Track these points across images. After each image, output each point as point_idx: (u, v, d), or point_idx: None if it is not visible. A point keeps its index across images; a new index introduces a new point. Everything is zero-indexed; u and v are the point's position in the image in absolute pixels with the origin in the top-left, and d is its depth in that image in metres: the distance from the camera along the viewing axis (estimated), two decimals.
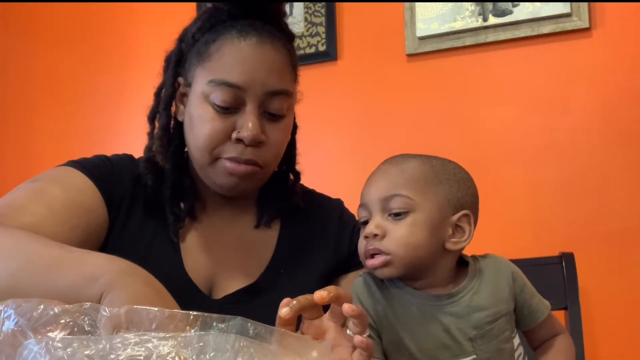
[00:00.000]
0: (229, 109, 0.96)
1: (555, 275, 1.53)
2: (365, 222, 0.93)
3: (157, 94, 1.06)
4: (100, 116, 2.51)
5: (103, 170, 1.01)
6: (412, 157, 0.96)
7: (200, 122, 0.97)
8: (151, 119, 1.06)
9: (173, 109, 1.05)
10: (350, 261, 1.09)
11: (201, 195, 1.07)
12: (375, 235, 0.89)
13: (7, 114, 2.70)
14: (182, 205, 1.05)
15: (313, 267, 1.07)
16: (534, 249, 1.70)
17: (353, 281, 0.97)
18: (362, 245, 0.92)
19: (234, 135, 0.96)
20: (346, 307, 0.73)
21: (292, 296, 0.76)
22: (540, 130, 1.90)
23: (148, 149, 1.04)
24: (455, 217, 0.91)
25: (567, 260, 1.55)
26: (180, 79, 1.03)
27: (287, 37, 1.03)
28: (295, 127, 1.11)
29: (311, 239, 1.10)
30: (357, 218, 0.98)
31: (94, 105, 2.54)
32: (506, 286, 0.93)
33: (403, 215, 0.89)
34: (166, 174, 1.03)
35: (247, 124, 0.95)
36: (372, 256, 0.90)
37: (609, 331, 1.75)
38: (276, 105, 0.98)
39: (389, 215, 0.90)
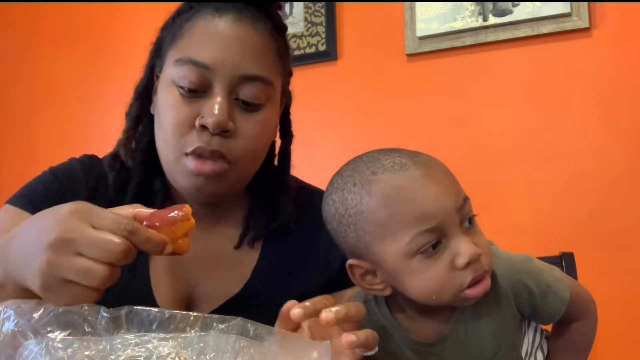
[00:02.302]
0: (196, 92, 0.85)
1: None
2: (435, 245, 0.73)
3: (136, 88, 0.97)
4: (100, 115, 2.51)
5: (49, 192, 0.91)
6: (421, 154, 0.80)
7: (165, 109, 0.87)
8: (127, 114, 0.97)
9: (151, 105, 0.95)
10: (344, 280, 0.86)
11: (175, 201, 0.94)
12: (479, 255, 0.73)
13: (7, 114, 2.70)
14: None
15: (297, 284, 0.95)
16: (534, 249, 1.69)
17: (349, 296, 0.89)
18: (457, 278, 0.73)
19: (198, 121, 0.84)
20: (344, 341, 0.67)
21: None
22: (540, 130, 1.89)
23: (117, 144, 0.96)
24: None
25: (567, 260, 1.54)
26: (158, 70, 0.94)
27: (275, 25, 0.92)
28: (289, 136, 1.01)
29: (297, 254, 0.98)
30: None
31: (94, 105, 2.54)
32: (506, 308, 0.81)
33: (473, 220, 0.76)
34: (132, 172, 0.93)
35: (212, 107, 0.83)
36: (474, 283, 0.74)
37: (609, 331, 1.75)
38: (250, 93, 0.86)
39: (464, 226, 0.75)
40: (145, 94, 0.95)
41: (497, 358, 0.81)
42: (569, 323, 0.88)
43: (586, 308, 0.87)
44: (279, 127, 1.00)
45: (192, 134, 0.85)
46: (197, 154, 0.84)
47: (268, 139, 0.93)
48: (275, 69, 0.90)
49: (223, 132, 0.84)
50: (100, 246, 0.61)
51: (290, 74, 0.99)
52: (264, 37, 0.88)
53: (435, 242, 0.73)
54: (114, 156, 0.94)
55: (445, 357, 0.81)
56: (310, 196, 1.02)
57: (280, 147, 1.02)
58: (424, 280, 0.74)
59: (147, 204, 0.82)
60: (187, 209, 0.67)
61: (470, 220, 0.75)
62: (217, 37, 0.85)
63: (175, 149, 0.86)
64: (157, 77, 0.93)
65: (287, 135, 1.01)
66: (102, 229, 0.63)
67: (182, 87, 0.85)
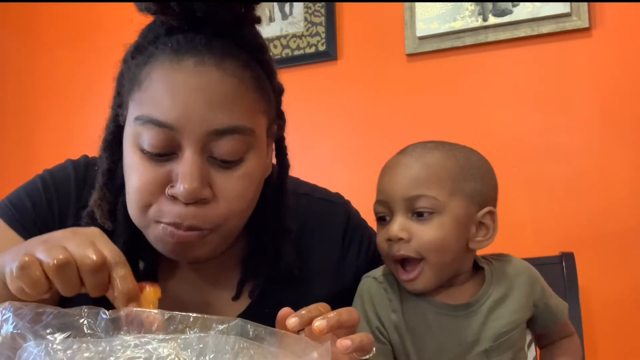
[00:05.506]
0: (163, 155, 0.74)
1: (555, 275, 1.53)
2: (383, 218, 0.88)
3: (103, 139, 0.86)
4: (100, 115, 2.51)
5: (36, 209, 0.85)
6: (434, 148, 0.90)
7: (129, 171, 0.76)
8: (97, 168, 0.86)
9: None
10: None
11: (165, 257, 0.83)
12: (400, 239, 0.84)
13: (8, 114, 2.70)
14: (141, 265, 0.84)
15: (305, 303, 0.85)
16: (534, 249, 1.70)
17: None
18: (384, 247, 0.86)
19: (168, 190, 0.74)
20: (338, 346, 0.67)
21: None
22: (540, 130, 1.89)
23: (92, 202, 0.83)
24: (480, 214, 0.87)
25: (567, 260, 1.55)
26: (122, 120, 0.82)
27: (251, 50, 0.79)
28: (285, 168, 0.90)
29: (300, 283, 0.91)
30: (371, 214, 0.90)
31: (94, 105, 2.54)
32: (524, 293, 0.89)
33: (428, 216, 0.84)
34: (115, 233, 0.82)
35: (183, 175, 0.72)
36: (402, 264, 0.85)
37: (609, 331, 1.75)
38: (226, 148, 0.74)
39: (413, 214, 0.85)
40: (113, 143, 0.84)
41: (512, 335, 0.87)
42: (565, 338, 0.97)
43: (573, 329, 0.98)
44: (272, 157, 0.89)
45: (162, 202, 0.74)
46: (172, 224, 0.74)
47: (255, 192, 0.81)
48: (256, 108, 0.78)
49: (199, 201, 0.73)
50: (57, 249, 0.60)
51: (280, 93, 0.87)
52: (235, 77, 0.75)
53: (382, 215, 0.88)
54: (90, 215, 0.83)
55: (467, 324, 0.86)
56: (312, 212, 0.97)
57: (275, 184, 0.89)
58: (377, 243, 0.89)
59: (137, 258, 0.83)
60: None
61: (422, 214, 0.84)
62: (178, 88, 0.73)
63: (146, 217, 0.76)
64: (123, 126, 0.81)
65: (281, 167, 0.90)
66: (97, 246, 0.62)
67: (145, 150, 0.74)
